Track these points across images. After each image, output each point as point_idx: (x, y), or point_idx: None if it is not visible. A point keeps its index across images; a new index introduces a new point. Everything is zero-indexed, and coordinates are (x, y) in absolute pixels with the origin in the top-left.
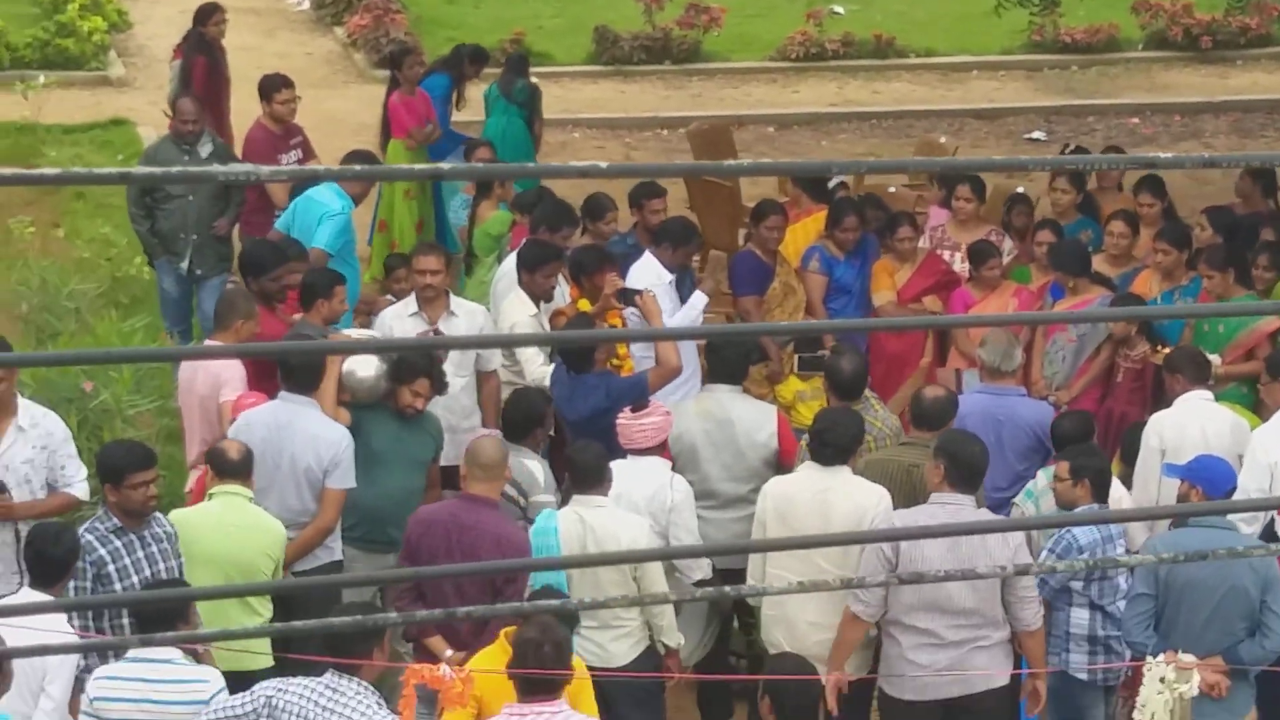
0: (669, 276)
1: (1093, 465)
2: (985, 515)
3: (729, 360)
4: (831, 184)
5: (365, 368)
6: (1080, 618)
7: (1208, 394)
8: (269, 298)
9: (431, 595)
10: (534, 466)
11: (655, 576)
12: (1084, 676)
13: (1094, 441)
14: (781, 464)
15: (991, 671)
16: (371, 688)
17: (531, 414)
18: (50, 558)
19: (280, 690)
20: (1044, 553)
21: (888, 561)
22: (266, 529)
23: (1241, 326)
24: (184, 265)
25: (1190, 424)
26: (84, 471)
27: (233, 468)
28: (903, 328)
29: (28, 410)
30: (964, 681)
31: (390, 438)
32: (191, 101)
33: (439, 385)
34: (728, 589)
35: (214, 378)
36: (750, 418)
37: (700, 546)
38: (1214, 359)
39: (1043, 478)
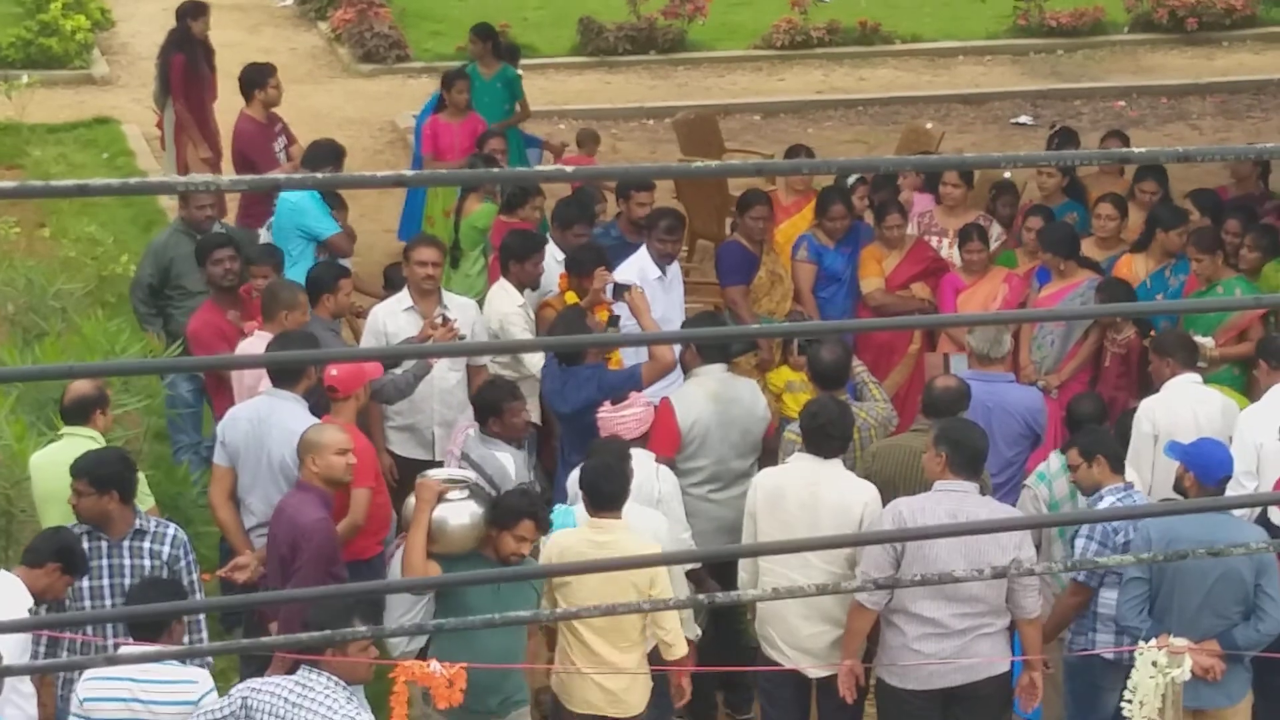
0: (655, 273)
1: (1099, 441)
2: (989, 502)
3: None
4: (851, 180)
5: (459, 515)
6: (1109, 598)
7: (1197, 377)
8: (219, 286)
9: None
10: (505, 458)
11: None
12: (1110, 657)
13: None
14: (765, 437)
15: (994, 659)
16: (341, 682)
17: (496, 399)
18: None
19: (254, 690)
20: (1082, 540)
21: (893, 551)
22: None
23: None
24: None
25: (1181, 408)
26: None
27: (64, 412)
28: (898, 328)
29: None
30: (967, 669)
31: (488, 593)
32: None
33: (544, 525)
34: (735, 594)
35: (259, 373)
36: (749, 394)
37: (697, 552)
38: (1207, 341)
39: (1055, 460)
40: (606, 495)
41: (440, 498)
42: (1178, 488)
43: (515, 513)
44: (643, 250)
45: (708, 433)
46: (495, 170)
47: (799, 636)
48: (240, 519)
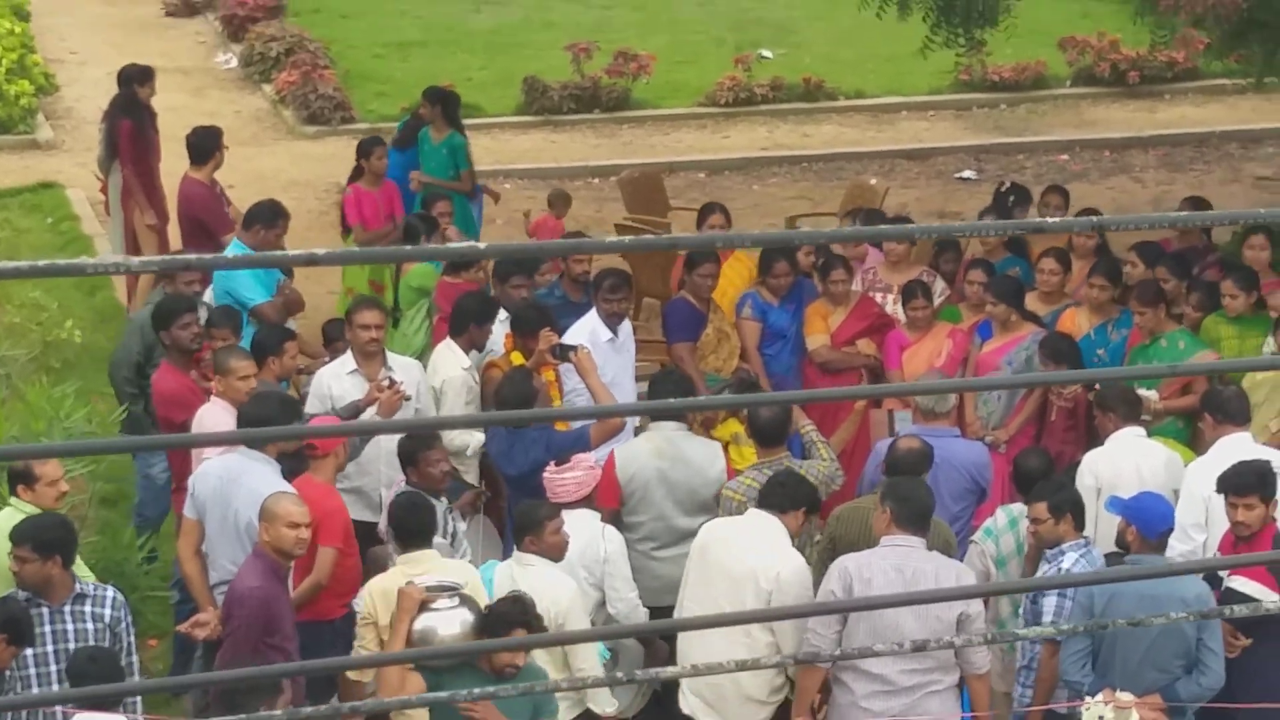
0: (606, 335)
1: (1070, 498)
2: (935, 557)
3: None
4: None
5: (449, 625)
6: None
7: (1141, 430)
8: (183, 350)
9: None
10: None
11: (581, 646)
12: (1064, 711)
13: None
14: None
15: (943, 717)
16: None
17: (412, 449)
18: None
19: None
20: (1054, 597)
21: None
22: None
23: (1177, 362)
24: None
25: (1124, 461)
26: None
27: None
28: (843, 399)
29: None
30: None
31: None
32: None
33: (537, 632)
34: (654, 671)
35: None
36: (701, 455)
37: (634, 626)
38: (1150, 394)
39: (1002, 516)
40: (412, 530)
41: (424, 607)
42: (1119, 542)
43: (507, 621)
44: (592, 313)
45: (647, 488)
46: (409, 248)
47: (721, 692)
48: (205, 574)
